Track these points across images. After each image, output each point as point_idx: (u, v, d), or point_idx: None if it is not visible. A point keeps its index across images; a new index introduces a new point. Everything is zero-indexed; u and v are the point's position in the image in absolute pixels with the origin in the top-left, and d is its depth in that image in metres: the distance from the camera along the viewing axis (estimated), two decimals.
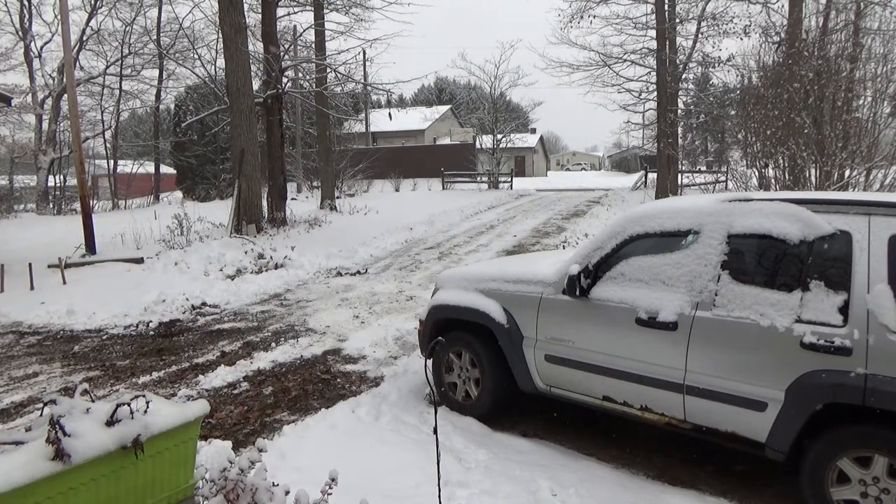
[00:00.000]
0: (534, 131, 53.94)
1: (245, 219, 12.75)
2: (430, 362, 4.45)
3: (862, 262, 2.85)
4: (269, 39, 15.01)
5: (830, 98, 9.05)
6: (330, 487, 2.34)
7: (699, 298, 3.28)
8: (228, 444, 3.61)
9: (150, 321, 7.37)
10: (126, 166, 30.34)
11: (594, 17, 20.97)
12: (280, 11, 16.33)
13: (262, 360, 5.78)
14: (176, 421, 2.21)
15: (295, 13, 21.45)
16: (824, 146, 8.53)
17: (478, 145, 34.96)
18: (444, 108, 55.53)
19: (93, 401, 2.19)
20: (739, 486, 3.40)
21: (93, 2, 23.47)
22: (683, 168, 24.26)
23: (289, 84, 17.05)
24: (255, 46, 15.95)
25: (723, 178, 20.61)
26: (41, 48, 24.55)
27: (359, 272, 10.20)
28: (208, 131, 23.86)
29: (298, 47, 19.98)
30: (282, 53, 16.12)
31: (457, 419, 4.24)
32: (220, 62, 15.68)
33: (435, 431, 2.73)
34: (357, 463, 3.57)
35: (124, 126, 32.02)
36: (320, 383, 5.20)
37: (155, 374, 5.50)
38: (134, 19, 24.63)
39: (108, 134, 27.18)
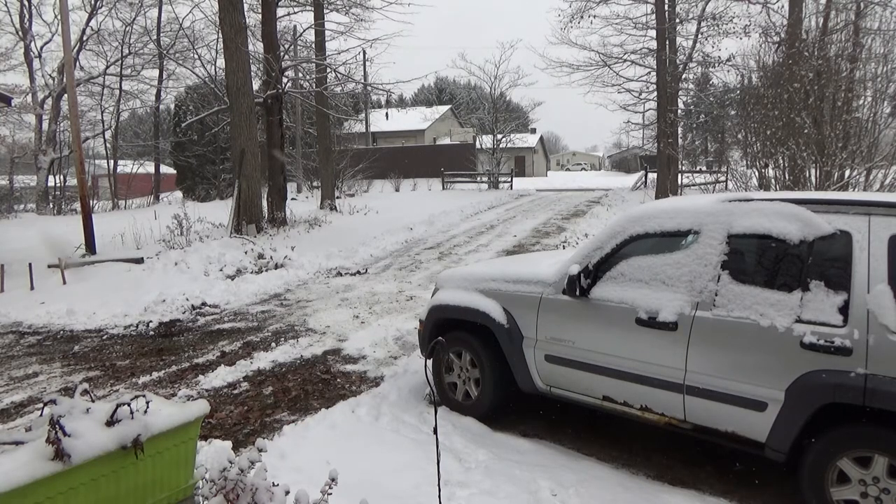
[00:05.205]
0: (534, 131, 53.93)
1: (245, 219, 12.75)
2: (430, 362, 4.45)
3: (862, 262, 2.85)
4: (269, 39, 15.00)
5: (830, 98, 9.05)
6: (330, 487, 2.34)
7: (699, 298, 3.28)
8: (228, 444, 3.61)
9: (150, 321, 7.37)
10: (126, 166, 30.29)
11: (594, 17, 21.02)
12: (280, 11, 16.34)
13: (262, 360, 5.78)
14: (176, 421, 2.21)
15: (295, 13, 21.44)
16: (824, 146, 8.53)
17: (478, 145, 34.97)
18: (444, 108, 55.51)
19: (93, 401, 2.19)
20: (739, 486, 3.40)
21: (93, 2, 23.46)
22: (683, 168, 24.25)
23: (289, 84, 17.04)
24: (255, 46, 15.96)
25: (723, 178, 20.60)
26: (41, 48, 24.56)
27: (359, 272, 10.20)
28: (208, 131, 23.86)
29: (298, 47, 19.98)
30: (282, 53, 16.12)
31: (457, 419, 4.24)
32: (220, 62, 15.71)
33: (435, 431, 2.73)
34: (357, 463, 3.57)
35: (124, 126, 31.98)
36: (320, 383, 5.20)
37: (155, 374, 5.50)
38: (134, 19, 24.64)
39: (108, 134, 27.21)
